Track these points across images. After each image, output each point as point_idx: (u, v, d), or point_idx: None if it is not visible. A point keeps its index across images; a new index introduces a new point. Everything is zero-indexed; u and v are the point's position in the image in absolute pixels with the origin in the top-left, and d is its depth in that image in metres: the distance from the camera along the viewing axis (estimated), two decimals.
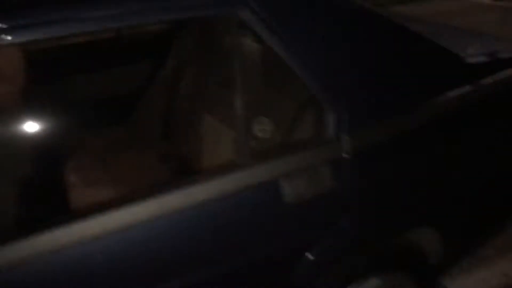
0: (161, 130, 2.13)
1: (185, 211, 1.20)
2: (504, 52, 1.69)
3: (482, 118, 1.59)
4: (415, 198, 1.51)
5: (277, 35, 1.29)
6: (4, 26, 1.06)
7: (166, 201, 1.18)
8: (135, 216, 1.15)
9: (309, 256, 1.37)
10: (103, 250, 1.13)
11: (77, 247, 1.09)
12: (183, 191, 1.21)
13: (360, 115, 1.37)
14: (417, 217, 1.54)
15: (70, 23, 1.12)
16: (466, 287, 2.15)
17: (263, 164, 1.29)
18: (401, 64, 1.48)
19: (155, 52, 2.26)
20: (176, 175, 1.85)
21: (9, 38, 1.06)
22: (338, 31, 1.41)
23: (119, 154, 1.96)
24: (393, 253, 1.58)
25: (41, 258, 1.07)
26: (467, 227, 1.79)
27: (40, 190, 1.56)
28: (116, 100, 2.25)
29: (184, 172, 1.82)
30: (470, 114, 1.55)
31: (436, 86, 1.50)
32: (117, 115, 2.25)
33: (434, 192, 1.55)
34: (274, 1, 1.33)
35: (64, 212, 1.45)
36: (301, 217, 1.35)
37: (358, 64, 1.42)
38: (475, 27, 1.83)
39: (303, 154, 1.33)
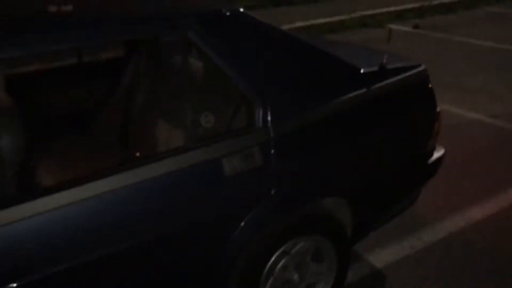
0: (120, 137, 2.50)
1: (145, 182, 1.59)
2: (391, 64, 2.21)
3: (373, 112, 2.10)
4: (326, 172, 1.97)
5: (218, 53, 1.74)
6: None
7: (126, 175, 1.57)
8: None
9: (246, 220, 1.80)
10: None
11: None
12: (146, 165, 1.61)
13: (280, 110, 1.83)
14: (328, 188, 2.00)
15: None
16: (379, 257, 2.63)
17: (208, 146, 1.71)
18: (311, 74, 1.97)
19: (113, 70, 2.65)
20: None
21: None
22: (264, 50, 1.89)
23: (81, 157, 2.31)
24: (313, 219, 2.02)
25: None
26: (374, 202, 2.27)
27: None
28: (81, 113, 2.61)
29: None
30: (364, 109, 2.05)
31: (338, 89, 1.99)
32: (82, 126, 2.61)
33: (340, 168, 2.02)
34: (217, 27, 1.79)
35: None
36: (238, 188, 1.78)
37: (279, 74, 1.90)
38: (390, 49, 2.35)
39: (239, 138, 1.77)
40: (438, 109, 2.36)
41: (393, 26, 7.24)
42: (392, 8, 8.67)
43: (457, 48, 6.45)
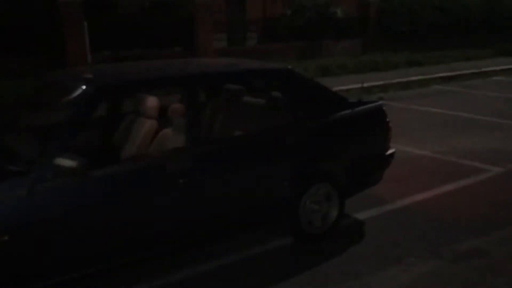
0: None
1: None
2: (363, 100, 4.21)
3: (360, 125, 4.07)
4: (336, 153, 3.92)
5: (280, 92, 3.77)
6: None
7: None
8: None
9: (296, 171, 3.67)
10: None
11: None
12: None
13: (308, 112, 3.78)
14: (336, 160, 3.90)
15: None
16: (358, 216, 4.44)
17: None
18: (324, 98, 3.94)
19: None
20: None
21: None
22: (303, 89, 3.90)
23: None
24: (326, 173, 3.89)
25: None
26: (359, 172, 4.14)
27: None
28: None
29: None
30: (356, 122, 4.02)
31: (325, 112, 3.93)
32: None
33: (343, 152, 3.96)
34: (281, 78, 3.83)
35: None
36: (293, 154, 3.68)
37: (309, 100, 3.87)
38: None
39: (287, 129, 3.71)
40: (390, 124, 4.31)
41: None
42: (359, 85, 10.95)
43: (411, 114, 8.62)
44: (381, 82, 11.24)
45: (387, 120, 4.30)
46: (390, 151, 4.37)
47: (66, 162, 2.67)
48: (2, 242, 2.58)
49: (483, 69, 13.45)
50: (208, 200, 3.32)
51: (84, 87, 3.05)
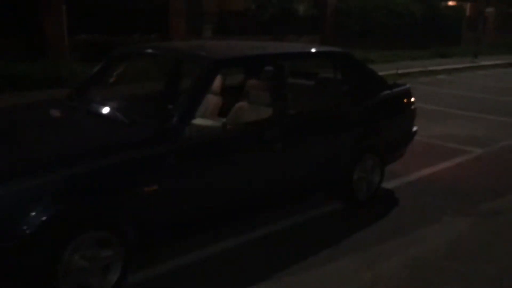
0: None
1: None
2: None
3: (395, 105, 4.68)
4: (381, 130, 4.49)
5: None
6: None
7: None
8: None
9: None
10: None
11: None
12: None
13: (354, 96, 4.33)
14: (380, 136, 4.49)
15: None
16: (385, 185, 5.06)
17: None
18: (371, 80, 4.51)
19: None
20: None
21: None
22: (357, 70, 4.44)
23: None
24: (370, 146, 4.45)
25: None
26: (394, 146, 4.75)
27: None
28: None
29: None
30: (393, 102, 4.63)
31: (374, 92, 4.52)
32: None
33: (382, 131, 4.54)
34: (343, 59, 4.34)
35: None
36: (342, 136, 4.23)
37: (358, 79, 4.42)
38: None
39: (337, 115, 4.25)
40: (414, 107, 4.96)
41: None
42: None
43: None
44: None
45: (414, 101, 4.95)
46: (414, 129, 5.03)
47: (207, 122, 3.02)
48: (152, 191, 2.88)
49: (429, 68, 14.77)
50: (291, 165, 3.78)
51: (205, 60, 3.43)
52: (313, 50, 4.41)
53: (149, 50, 4.25)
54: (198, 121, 3.08)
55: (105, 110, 3.48)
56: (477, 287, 3.30)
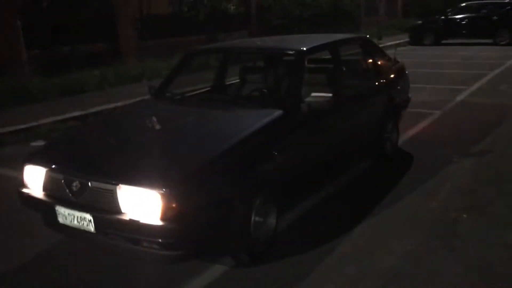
0: None
1: None
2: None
3: (398, 77, 5.85)
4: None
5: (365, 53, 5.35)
6: None
7: None
8: None
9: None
10: None
11: None
12: None
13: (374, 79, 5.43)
14: (393, 101, 5.63)
15: None
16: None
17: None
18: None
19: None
20: None
21: None
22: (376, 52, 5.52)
23: None
24: (392, 113, 5.58)
25: None
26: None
27: None
28: None
29: None
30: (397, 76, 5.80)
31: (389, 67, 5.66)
32: None
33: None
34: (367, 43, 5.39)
35: None
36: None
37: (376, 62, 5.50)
38: None
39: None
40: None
41: None
42: None
43: None
44: None
45: (407, 73, 6.19)
46: (409, 95, 6.25)
47: (318, 98, 3.88)
48: (273, 155, 3.60)
49: None
50: (359, 126, 4.94)
51: (297, 51, 4.31)
52: (349, 37, 5.56)
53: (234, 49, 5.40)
54: (312, 97, 3.94)
55: (234, 100, 4.48)
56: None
